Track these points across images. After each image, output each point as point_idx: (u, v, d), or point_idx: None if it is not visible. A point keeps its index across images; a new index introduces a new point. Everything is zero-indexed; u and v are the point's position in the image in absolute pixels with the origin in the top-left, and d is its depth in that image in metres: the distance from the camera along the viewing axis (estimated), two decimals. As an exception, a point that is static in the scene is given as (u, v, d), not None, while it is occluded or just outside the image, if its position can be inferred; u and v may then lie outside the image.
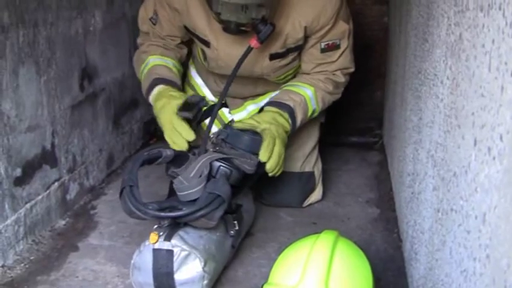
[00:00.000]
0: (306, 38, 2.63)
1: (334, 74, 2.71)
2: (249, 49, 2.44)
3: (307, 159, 2.87)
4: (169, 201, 2.12)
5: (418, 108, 2.08)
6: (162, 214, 1.97)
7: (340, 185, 3.11)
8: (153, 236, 1.97)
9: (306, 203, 2.86)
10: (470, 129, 1.20)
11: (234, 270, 2.29)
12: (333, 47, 2.66)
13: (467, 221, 1.20)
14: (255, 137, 2.37)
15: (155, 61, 2.74)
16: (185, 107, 2.42)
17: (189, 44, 2.91)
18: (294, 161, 2.83)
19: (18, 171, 2.32)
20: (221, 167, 2.22)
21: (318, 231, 1.88)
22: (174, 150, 2.26)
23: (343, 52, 2.68)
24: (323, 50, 2.66)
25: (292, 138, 2.76)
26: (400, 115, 2.66)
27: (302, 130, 2.82)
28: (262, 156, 2.34)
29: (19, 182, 2.33)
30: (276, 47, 2.61)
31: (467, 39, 1.28)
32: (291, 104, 2.56)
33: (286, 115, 2.54)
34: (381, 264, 2.26)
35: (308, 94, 2.63)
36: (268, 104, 2.61)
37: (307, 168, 2.87)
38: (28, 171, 2.39)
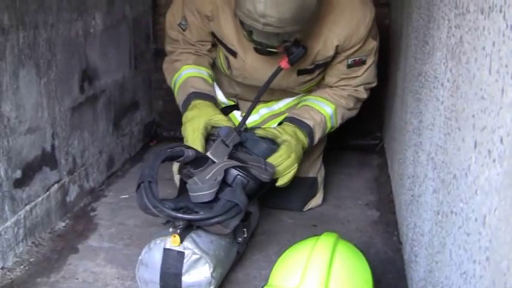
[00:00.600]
0: (336, 54, 2.61)
1: (356, 90, 2.72)
2: (279, 70, 2.44)
3: (312, 165, 2.87)
4: (184, 201, 2.10)
5: (418, 110, 2.08)
6: (179, 215, 1.96)
7: (341, 188, 3.11)
8: (174, 239, 1.97)
9: (307, 207, 2.86)
10: (471, 131, 1.20)
11: (234, 272, 2.29)
12: (359, 63, 2.65)
13: (467, 223, 1.20)
14: (273, 146, 2.40)
15: (190, 72, 2.72)
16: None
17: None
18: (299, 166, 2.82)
19: (18, 173, 2.32)
20: (238, 176, 2.21)
21: (318, 234, 1.88)
22: (196, 151, 2.25)
23: (368, 68, 2.67)
24: (349, 66, 2.65)
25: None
26: (401, 118, 2.66)
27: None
28: (271, 161, 2.37)
29: (19, 183, 2.33)
30: (305, 64, 2.59)
31: (467, 41, 1.28)
32: (311, 123, 2.60)
33: (305, 133, 2.56)
34: (381, 267, 2.26)
35: (329, 113, 2.66)
36: (288, 119, 2.63)
37: (311, 174, 2.87)
38: (28, 173, 2.39)
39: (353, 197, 3.01)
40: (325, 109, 2.65)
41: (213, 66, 2.88)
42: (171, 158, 2.15)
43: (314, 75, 2.68)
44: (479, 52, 1.16)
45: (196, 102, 2.57)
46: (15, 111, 2.26)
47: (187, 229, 2.03)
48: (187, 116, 2.52)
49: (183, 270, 1.98)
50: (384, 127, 3.77)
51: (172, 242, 1.97)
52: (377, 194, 3.03)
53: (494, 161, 1.00)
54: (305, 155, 2.80)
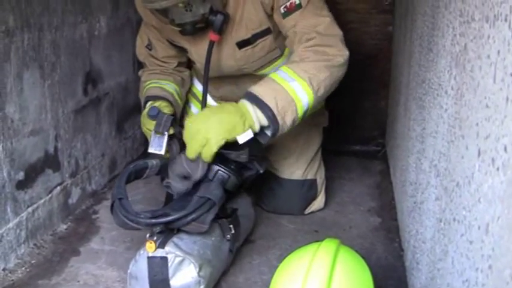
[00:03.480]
0: (270, 17, 2.55)
1: (308, 40, 2.41)
2: (211, 44, 2.46)
3: (309, 166, 2.86)
4: (163, 209, 2.12)
5: (421, 117, 2.08)
6: (153, 221, 1.98)
7: (342, 194, 3.11)
8: (150, 245, 1.98)
9: (308, 210, 2.85)
10: (474, 139, 1.20)
11: (235, 276, 2.29)
12: (293, 8, 2.46)
13: (470, 231, 1.20)
14: None
15: (150, 85, 2.77)
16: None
17: (191, 65, 2.95)
18: (296, 169, 2.83)
19: (20, 175, 2.32)
20: (219, 172, 2.22)
21: (319, 239, 1.88)
22: (159, 160, 2.28)
23: (308, 11, 2.46)
24: (285, 15, 2.48)
25: (293, 144, 2.76)
26: (404, 124, 2.66)
27: (303, 136, 2.83)
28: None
29: (21, 185, 2.33)
30: (240, 35, 2.59)
31: (472, 49, 1.28)
32: (271, 104, 2.23)
33: (246, 102, 2.25)
34: (382, 273, 2.25)
35: (279, 75, 2.32)
36: (247, 96, 2.29)
37: (310, 176, 2.86)
38: (31, 174, 2.39)
39: (354, 202, 3.00)
40: (290, 85, 2.28)
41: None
42: (137, 173, 2.19)
43: (256, 47, 2.63)
44: (483, 60, 1.16)
45: (149, 104, 2.64)
46: (18, 113, 2.27)
47: (168, 235, 2.04)
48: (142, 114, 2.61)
49: (170, 275, 1.98)
50: (386, 134, 3.78)
51: (147, 248, 1.98)
52: (379, 200, 3.03)
53: (497, 169, 1.00)
54: (299, 157, 2.84)
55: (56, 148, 2.58)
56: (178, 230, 2.06)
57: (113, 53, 3.15)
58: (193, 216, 1.99)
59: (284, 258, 1.88)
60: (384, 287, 2.16)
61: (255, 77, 2.70)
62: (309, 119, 2.76)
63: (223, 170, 2.23)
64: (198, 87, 2.99)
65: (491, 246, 1.02)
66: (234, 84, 2.76)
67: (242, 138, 2.19)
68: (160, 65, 2.86)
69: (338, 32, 2.47)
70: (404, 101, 2.69)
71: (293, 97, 2.26)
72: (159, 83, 2.76)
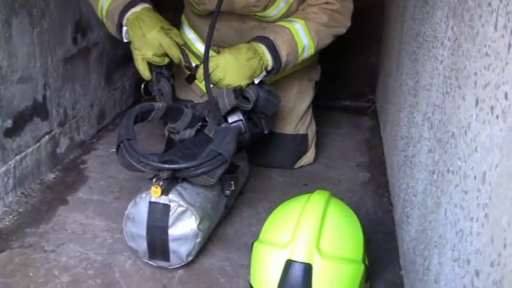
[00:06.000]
0: None
1: (327, 3, 2.53)
2: None
3: (301, 120, 2.84)
4: (168, 154, 2.09)
5: (415, 71, 2.07)
6: (166, 166, 1.93)
7: (332, 149, 3.10)
8: (155, 190, 1.94)
9: (297, 164, 2.85)
10: (472, 89, 1.19)
11: (224, 228, 2.29)
12: None
13: (465, 181, 1.19)
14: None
15: None
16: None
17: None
18: (288, 123, 2.81)
19: (9, 123, 2.30)
20: (240, 122, 2.25)
21: (308, 193, 1.87)
22: (165, 103, 2.25)
23: None
24: None
25: (284, 98, 2.73)
26: (396, 79, 2.65)
27: (295, 90, 2.81)
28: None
29: (9, 133, 2.31)
30: None
31: (471, -2, 1.27)
32: (271, 36, 2.41)
33: (262, 47, 2.38)
34: (371, 227, 2.26)
35: (295, 27, 2.46)
36: (264, 42, 2.41)
37: (301, 131, 2.85)
38: (19, 123, 2.37)
39: (344, 157, 3.00)
40: (291, 24, 2.47)
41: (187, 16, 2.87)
42: (143, 115, 2.13)
43: None
44: (484, 9, 1.14)
45: (144, 8, 2.37)
46: (7, 60, 2.23)
47: (172, 182, 2.01)
48: (137, 23, 2.32)
49: (169, 223, 1.96)
50: (377, 89, 3.76)
51: (152, 192, 1.94)
52: (368, 156, 3.03)
53: (497, 117, 0.99)
54: (291, 111, 2.81)
55: (44, 97, 2.55)
56: (183, 179, 2.04)
57: (103, 2, 3.10)
58: (203, 169, 1.95)
59: (274, 209, 1.88)
60: (373, 241, 2.16)
61: (256, 24, 2.66)
62: (302, 73, 2.77)
63: (244, 122, 2.27)
64: (189, 35, 2.86)
65: (488, 194, 1.01)
66: (233, 29, 2.68)
67: (257, 79, 2.38)
68: None
69: (352, 5, 2.60)
70: (397, 56, 2.68)
71: (299, 55, 2.48)
72: None
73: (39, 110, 2.52)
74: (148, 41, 2.27)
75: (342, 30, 2.59)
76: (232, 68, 2.30)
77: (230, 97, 2.23)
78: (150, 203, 1.97)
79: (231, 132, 2.13)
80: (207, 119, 2.29)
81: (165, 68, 2.38)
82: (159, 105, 2.18)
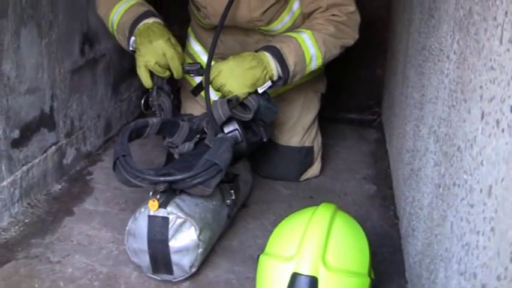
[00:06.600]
0: None
1: (333, 15, 2.51)
2: None
3: (307, 133, 2.84)
4: (166, 168, 2.10)
5: (420, 84, 2.07)
6: (161, 179, 1.93)
7: (338, 161, 3.10)
8: (152, 203, 1.95)
9: (303, 177, 2.85)
10: (478, 102, 1.19)
11: (229, 240, 2.29)
12: None
13: (471, 194, 1.19)
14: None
15: (128, 4, 2.49)
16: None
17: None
18: (293, 136, 2.82)
19: (16, 133, 2.30)
20: (236, 131, 2.25)
21: (315, 204, 1.87)
22: (160, 117, 2.26)
23: None
24: None
25: (290, 110, 2.74)
26: (401, 92, 2.65)
27: (301, 102, 2.82)
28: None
29: (16, 143, 2.32)
30: None
31: (477, 12, 1.27)
32: (278, 45, 2.38)
33: (268, 56, 2.35)
34: (377, 241, 2.25)
35: (302, 36, 2.43)
36: (270, 50, 2.38)
37: (307, 143, 2.85)
38: (26, 133, 2.38)
39: (350, 170, 3.00)
40: (297, 33, 2.45)
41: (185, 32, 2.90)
42: (138, 131, 2.14)
43: None
44: (489, 23, 1.15)
45: (154, 21, 2.39)
46: (15, 71, 2.25)
47: (170, 195, 2.01)
48: (144, 34, 2.33)
49: (169, 236, 1.96)
50: (382, 102, 3.77)
51: (150, 206, 1.95)
52: (374, 169, 3.03)
53: (502, 130, 0.99)
54: (296, 123, 2.82)
55: (51, 107, 2.56)
56: (181, 191, 2.04)
57: (110, 14, 3.12)
58: (199, 179, 1.94)
59: (280, 221, 1.88)
60: (378, 254, 2.16)
61: (261, 37, 2.68)
62: (308, 85, 2.78)
63: (240, 131, 2.26)
64: (195, 47, 2.90)
65: (494, 208, 1.01)
66: (238, 42, 2.68)
67: (261, 89, 2.35)
68: None
69: (359, 17, 2.58)
70: (403, 69, 2.68)
71: (307, 65, 2.45)
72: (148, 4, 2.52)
73: (46, 120, 2.53)
74: (153, 48, 2.27)
75: (350, 41, 2.56)
76: (234, 75, 2.29)
77: (224, 107, 2.22)
78: (149, 216, 1.97)
79: (226, 141, 2.12)
80: (205, 130, 2.29)
81: (166, 83, 2.37)
82: (154, 120, 2.18)
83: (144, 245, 1.98)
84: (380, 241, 2.28)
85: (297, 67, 2.39)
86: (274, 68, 2.35)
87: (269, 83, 2.36)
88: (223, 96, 2.30)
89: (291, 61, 2.36)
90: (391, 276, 2.08)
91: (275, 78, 2.37)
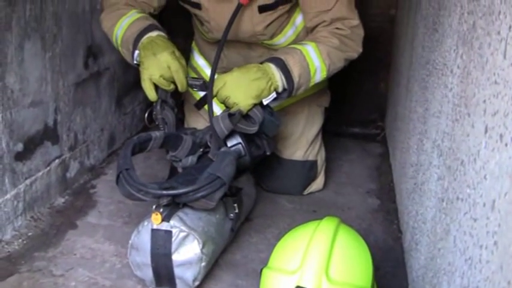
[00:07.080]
0: None
1: (337, 28, 2.49)
2: (239, 6, 2.37)
3: (310, 146, 2.85)
4: (169, 182, 2.10)
5: (424, 98, 2.07)
6: (164, 192, 1.93)
7: (341, 175, 3.10)
8: (155, 217, 1.94)
9: (307, 191, 2.85)
10: (481, 117, 1.19)
11: (233, 254, 2.29)
12: None
13: (474, 209, 1.19)
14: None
15: (142, 14, 2.53)
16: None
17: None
18: (297, 149, 2.82)
19: (19, 146, 2.31)
20: (240, 145, 2.25)
21: (319, 218, 1.87)
22: (163, 131, 2.25)
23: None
24: None
25: (294, 124, 2.75)
26: (405, 106, 2.65)
27: (304, 116, 2.82)
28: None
29: (20, 157, 2.32)
30: None
31: (481, 27, 1.27)
32: (282, 56, 2.36)
33: (273, 68, 2.33)
34: (380, 255, 2.25)
35: (306, 48, 2.41)
36: (275, 61, 2.37)
37: (311, 157, 2.85)
38: (29, 146, 2.38)
39: (353, 184, 3.00)
40: (301, 45, 2.44)
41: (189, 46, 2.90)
42: (141, 145, 2.14)
43: (277, 12, 2.54)
44: (493, 37, 1.15)
45: (159, 34, 2.40)
46: (19, 84, 2.25)
47: (173, 209, 2.01)
48: (148, 47, 2.33)
49: (172, 249, 1.96)
50: (386, 116, 3.77)
51: (153, 220, 1.95)
52: (378, 183, 3.02)
53: (506, 145, 0.99)
54: (300, 138, 2.82)
55: (55, 121, 2.56)
56: (184, 205, 2.04)
57: (114, 27, 3.13)
58: (202, 193, 1.95)
59: (283, 235, 1.87)
60: (381, 268, 2.16)
61: (264, 51, 2.68)
62: (312, 99, 2.78)
63: (243, 145, 2.26)
64: (199, 61, 2.91)
65: (497, 222, 1.01)
66: (242, 56, 2.69)
67: (266, 101, 2.33)
68: (133, 5, 2.60)
69: (362, 32, 2.56)
70: (406, 83, 2.68)
71: (311, 77, 2.42)
72: (140, 13, 2.53)
73: (49, 134, 2.53)
74: (158, 61, 2.27)
75: (354, 55, 2.54)
76: (239, 87, 2.27)
77: (225, 121, 2.21)
78: (152, 230, 1.97)
79: (229, 155, 2.12)
80: (209, 144, 2.29)
81: (170, 97, 2.37)
82: (157, 134, 2.18)
83: (147, 258, 1.98)
84: (383, 255, 2.28)
85: (301, 79, 2.37)
86: (279, 79, 2.32)
87: (274, 95, 2.34)
88: (227, 109, 2.29)
89: (295, 72, 2.34)
90: (394, 291, 2.08)
91: (280, 89, 2.35)
